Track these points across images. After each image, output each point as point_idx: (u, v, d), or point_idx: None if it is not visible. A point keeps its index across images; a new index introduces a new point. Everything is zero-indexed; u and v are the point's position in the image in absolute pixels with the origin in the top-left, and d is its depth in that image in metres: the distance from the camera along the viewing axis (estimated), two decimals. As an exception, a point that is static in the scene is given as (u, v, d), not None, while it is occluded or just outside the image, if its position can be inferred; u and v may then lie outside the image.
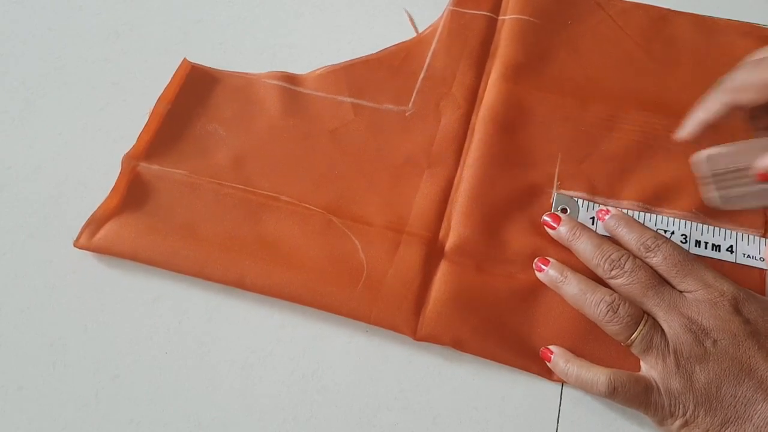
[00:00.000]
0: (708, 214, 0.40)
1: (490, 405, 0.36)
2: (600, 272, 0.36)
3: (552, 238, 0.39)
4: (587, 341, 0.36)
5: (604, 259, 0.36)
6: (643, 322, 0.34)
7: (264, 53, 0.49)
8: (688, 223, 0.39)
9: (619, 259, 0.35)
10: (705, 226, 0.39)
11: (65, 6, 0.51)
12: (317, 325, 0.38)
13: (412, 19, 0.50)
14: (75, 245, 0.40)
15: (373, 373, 0.37)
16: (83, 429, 0.35)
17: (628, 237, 0.37)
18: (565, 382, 0.36)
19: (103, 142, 0.44)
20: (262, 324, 0.38)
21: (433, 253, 0.40)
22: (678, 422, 0.32)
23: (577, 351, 0.36)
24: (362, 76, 0.47)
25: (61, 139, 0.45)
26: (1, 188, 0.43)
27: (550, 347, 0.36)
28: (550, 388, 0.36)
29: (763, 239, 0.39)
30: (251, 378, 0.37)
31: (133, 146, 0.43)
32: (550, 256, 0.39)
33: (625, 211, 0.40)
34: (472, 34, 0.48)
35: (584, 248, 0.37)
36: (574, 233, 0.38)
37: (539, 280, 0.38)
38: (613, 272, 0.35)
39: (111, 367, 0.37)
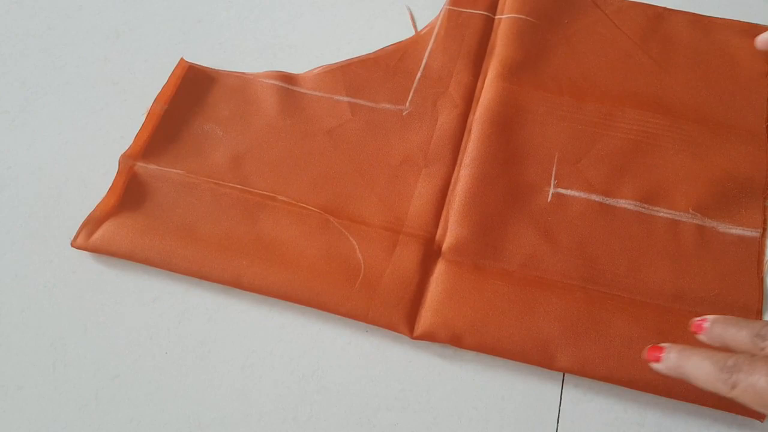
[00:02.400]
0: (705, 213, 0.39)
1: (490, 405, 0.34)
2: (722, 389, 0.29)
3: (548, 238, 0.38)
4: (588, 333, 0.35)
5: (720, 370, 0.29)
6: None
7: (264, 53, 0.47)
8: None
9: (736, 363, 0.28)
10: None
11: (65, 6, 0.50)
12: (317, 325, 0.37)
13: (413, 17, 0.49)
14: (72, 245, 0.38)
15: (373, 373, 0.35)
16: (83, 429, 0.34)
17: (739, 335, 0.30)
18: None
19: (103, 142, 0.43)
20: (262, 324, 0.37)
21: (431, 252, 0.38)
22: None
23: (577, 345, 0.35)
24: (359, 75, 0.45)
25: (61, 139, 0.43)
26: (1, 188, 0.42)
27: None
28: (550, 388, 0.35)
29: None
30: (251, 378, 0.35)
31: (130, 146, 0.42)
32: (548, 257, 0.37)
33: (623, 206, 0.39)
34: (469, 33, 0.47)
35: (698, 369, 0.30)
36: (683, 355, 0.31)
37: (537, 277, 0.37)
38: (734, 377, 0.28)
39: (111, 367, 0.36)
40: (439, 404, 0.35)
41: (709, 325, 0.31)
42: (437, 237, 0.39)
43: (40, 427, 0.34)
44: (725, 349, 0.31)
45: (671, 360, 0.31)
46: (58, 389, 0.35)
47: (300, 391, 0.35)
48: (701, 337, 0.32)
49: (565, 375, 0.35)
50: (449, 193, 0.40)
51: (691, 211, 0.39)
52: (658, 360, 0.31)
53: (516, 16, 0.47)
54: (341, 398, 0.35)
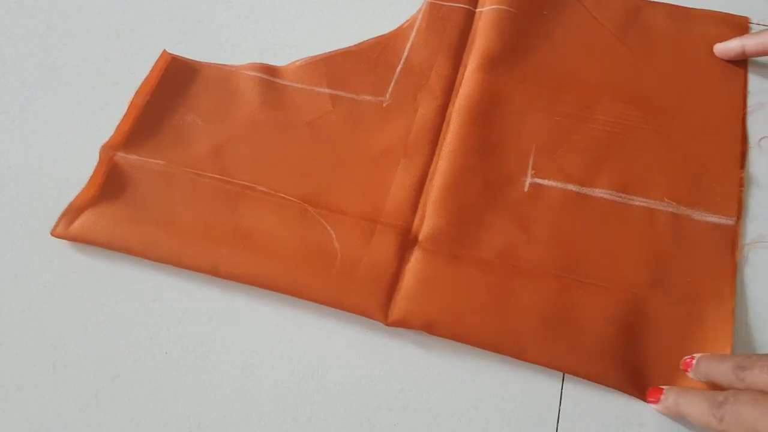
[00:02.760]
0: (680, 201, 0.39)
1: (490, 405, 0.34)
2: (713, 423, 0.30)
3: (525, 228, 0.38)
4: (561, 325, 0.35)
5: (711, 405, 0.30)
6: None
7: (264, 53, 0.47)
8: None
9: (726, 398, 0.29)
10: None
11: (65, 6, 0.50)
12: (317, 326, 0.37)
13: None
14: (52, 234, 0.38)
15: (373, 373, 0.35)
16: (83, 429, 0.34)
17: (722, 368, 0.31)
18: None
19: (103, 142, 0.43)
20: (262, 324, 0.37)
21: (407, 242, 0.38)
22: None
23: (550, 335, 0.35)
24: (341, 67, 0.45)
25: (61, 139, 0.43)
26: (1, 188, 0.42)
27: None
28: (550, 388, 0.35)
29: None
30: (251, 378, 0.35)
31: (111, 136, 0.42)
32: (525, 247, 0.38)
33: (599, 195, 0.39)
34: (450, 26, 0.47)
35: (692, 406, 0.31)
36: (680, 395, 0.32)
37: (513, 268, 0.37)
38: (721, 410, 0.29)
39: (111, 367, 0.36)
40: (439, 404, 0.34)
41: (696, 362, 0.33)
42: (414, 226, 0.39)
43: (40, 427, 0.34)
44: (712, 385, 0.32)
45: (669, 400, 0.32)
46: (58, 389, 0.35)
47: (300, 391, 0.35)
48: (690, 374, 0.33)
49: (566, 375, 0.35)
50: (427, 183, 0.41)
51: (666, 199, 0.39)
52: (657, 401, 0.33)
53: (496, 7, 0.47)
54: (341, 398, 0.35)
